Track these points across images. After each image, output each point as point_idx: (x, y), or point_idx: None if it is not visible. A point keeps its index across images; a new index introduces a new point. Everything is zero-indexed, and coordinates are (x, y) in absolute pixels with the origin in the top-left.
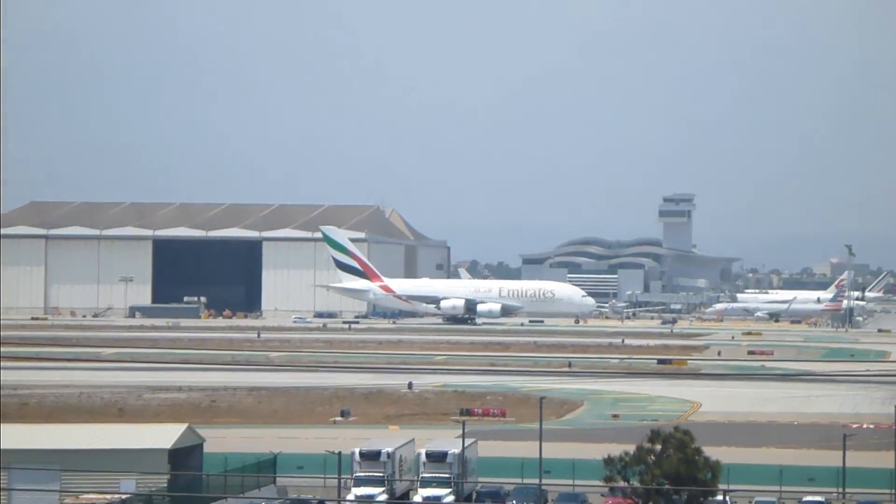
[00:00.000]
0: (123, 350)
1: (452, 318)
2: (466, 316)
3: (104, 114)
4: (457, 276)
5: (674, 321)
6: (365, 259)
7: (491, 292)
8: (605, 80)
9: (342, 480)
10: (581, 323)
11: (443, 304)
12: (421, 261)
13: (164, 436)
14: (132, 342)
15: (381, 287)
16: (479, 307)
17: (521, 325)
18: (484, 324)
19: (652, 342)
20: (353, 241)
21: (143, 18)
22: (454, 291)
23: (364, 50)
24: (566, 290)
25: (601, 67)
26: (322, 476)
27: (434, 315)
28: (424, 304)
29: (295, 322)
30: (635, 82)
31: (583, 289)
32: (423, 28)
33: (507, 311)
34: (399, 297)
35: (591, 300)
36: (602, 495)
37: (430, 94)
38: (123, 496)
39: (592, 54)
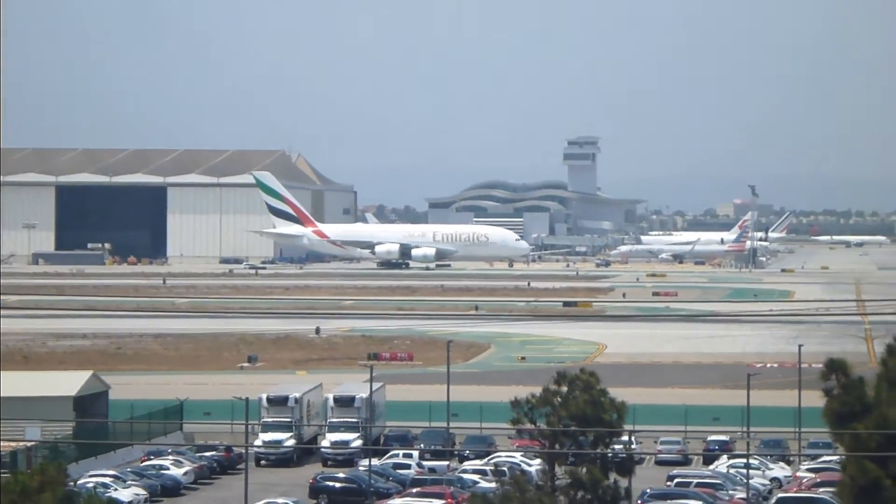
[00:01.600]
0: (27, 297)
1: (386, 263)
2: (400, 261)
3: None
4: (364, 220)
5: (607, 264)
6: (298, 204)
7: (425, 237)
8: (511, 22)
9: (250, 426)
10: (514, 266)
11: (377, 248)
12: (328, 205)
13: (69, 383)
14: (36, 289)
15: (314, 232)
16: (414, 252)
17: (427, 268)
18: (414, 268)
19: (558, 285)
20: (256, 186)
21: None
22: (388, 236)
23: None
24: (500, 234)
25: (508, 8)
26: (229, 422)
27: (366, 260)
28: (359, 249)
29: (245, 268)
30: (541, 24)
31: None
32: None
33: (441, 256)
34: (333, 242)
35: (524, 244)
36: (509, 437)
37: (337, 36)
38: (28, 443)
39: None
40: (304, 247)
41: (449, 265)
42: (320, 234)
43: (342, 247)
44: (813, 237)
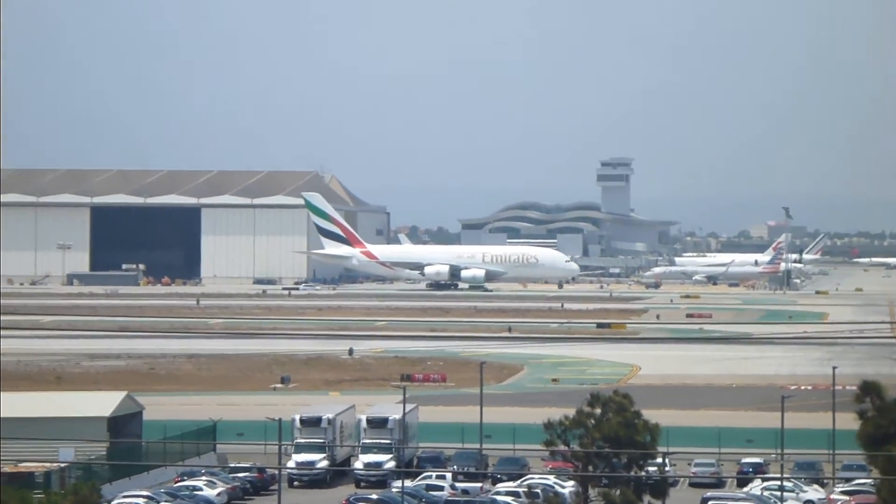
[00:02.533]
0: (62, 318)
1: (435, 285)
2: (450, 282)
3: (42, 81)
4: (396, 241)
5: (656, 286)
6: (347, 225)
7: (474, 258)
8: (546, 46)
9: (283, 447)
10: (563, 288)
11: (427, 270)
12: (361, 226)
13: (103, 404)
14: (70, 310)
15: (363, 253)
16: (463, 273)
17: (459, 288)
18: (462, 289)
19: (591, 306)
20: (291, 207)
21: None
22: (437, 257)
23: (307, 19)
24: (549, 256)
25: (543, 33)
26: (263, 443)
27: (414, 281)
28: (407, 271)
29: (303, 290)
30: (576, 48)
31: None
32: None
33: (490, 277)
34: (382, 263)
35: (574, 265)
36: (542, 459)
37: (371, 61)
38: (62, 464)
39: (536, 20)
40: (352, 268)
41: (482, 288)
42: (369, 254)
43: (391, 268)
44: (855, 259)
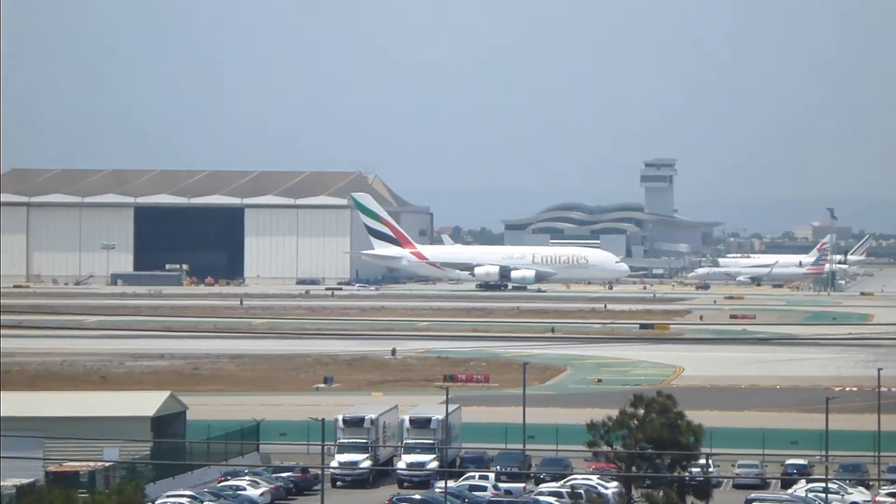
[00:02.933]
0: (106, 318)
1: (485, 285)
2: (500, 283)
3: (84, 80)
4: (440, 242)
5: (707, 287)
6: (397, 226)
7: (524, 259)
8: (589, 45)
9: (326, 447)
10: (612, 289)
11: (477, 270)
12: (404, 226)
13: (147, 403)
14: (114, 310)
15: (413, 253)
16: (514, 274)
17: (501, 287)
18: (512, 290)
19: (634, 307)
20: (334, 207)
21: None
22: (487, 258)
23: (349, 15)
24: (600, 257)
25: (584, 32)
26: (305, 443)
27: (458, 281)
28: (457, 271)
29: (358, 289)
30: (618, 47)
31: None
32: None
33: (540, 278)
34: (432, 263)
35: (624, 266)
36: (585, 460)
37: (413, 59)
38: (106, 464)
39: (578, 18)
40: (402, 268)
41: (523, 289)
42: (419, 255)
43: (441, 268)
44: None
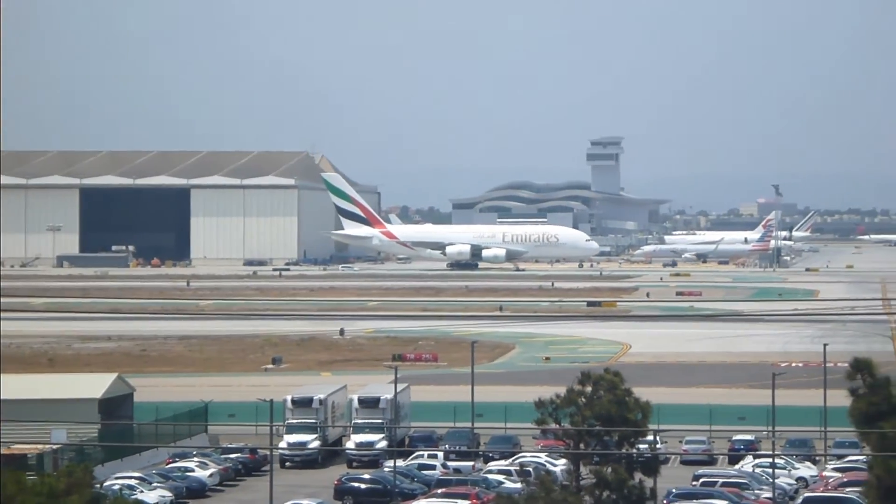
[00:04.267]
0: (52, 300)
1: (456, 264)
2: (471, 261)
3: (30, 62)
4: (388, 221)
5: (674, 264)
6: (367, 206)
7: (495, 237)
8: (534, 23)
9: (275, 428)
10: (585, 266)
11: (449, 249)
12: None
13: (95, 385)
14: (61, 292)
15: (383, 233)
16: (485, 252)
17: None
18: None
19: (581, 285)
20: (281, 188)
21: None
22: (458, 237)
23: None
24: (571, 235)
25: (532, 9)
26: (254, 424)
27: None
28: (429, 251)
29: (342, 269)
30: (565, 26)
31: None
32: None
33: (511, 256)
34: (403, 243)
35: (594, 244)
36: (534, 438)
37: (359, 37)
38: (55, 446)
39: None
40: (373, 247)
41: (474, 266)
42: (389, 235)
43: (412, 248)
44: (860, 236)
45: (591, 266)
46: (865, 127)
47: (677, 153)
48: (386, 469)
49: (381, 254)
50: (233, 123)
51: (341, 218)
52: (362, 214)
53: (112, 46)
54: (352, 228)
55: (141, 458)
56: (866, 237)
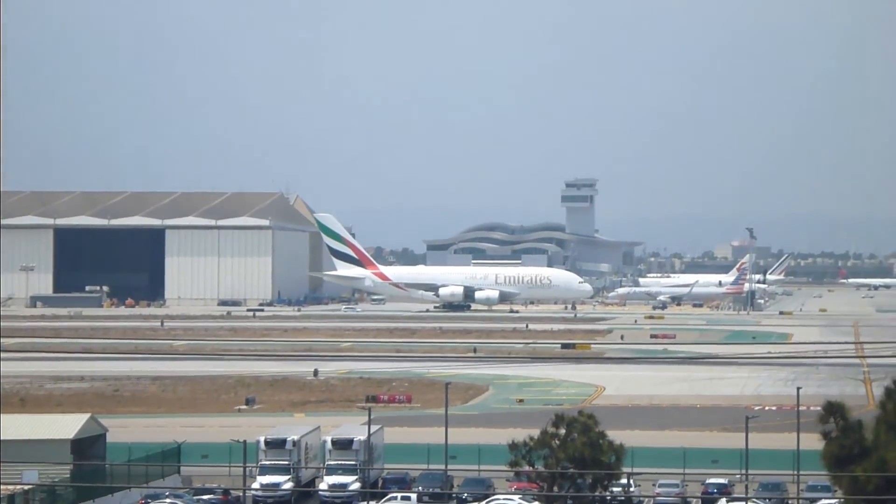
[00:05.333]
0: (25, 340)
1: (449, 306)
2: (464, 303)
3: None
4: None
5: (664, 306)
6: (360, 247)
7: (487, 279)
8: (507, 67)
9: (248, 469)
10: (575, 308)
11: (442, 291)
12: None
13: (67, 426)
14: (34, 332)
15: (375, 274)
16: (477, 294)
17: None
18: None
19: (556, 327)
20: (255, 228)
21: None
22: (450, 278)
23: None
24: (563, 277)
25: (504, 54)
26: (227, 465)
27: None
28: (421, 292)
29: (345, 311)
30: (538, 71)
31: None
32: (320, 16)
33: (504, 298)
34: (395, 284)
35: (588, 286)
36: (507, 480)
37: (332, 82)
38: (26, 487)
39: (500, 40)
40: (366, 289)
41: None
42: (382, 276)
43: (404, 289)
44: (842, 280)
45: (566, 308)
46: (839, 170)
47: (652, 195)
48: None
49: (356, 293)
50: (207, 164)
51: (333, 259)
52: (354, 255)
53: (84, 88)
54: (344, 269)
55: (113, 498)
56: (846, 280)
